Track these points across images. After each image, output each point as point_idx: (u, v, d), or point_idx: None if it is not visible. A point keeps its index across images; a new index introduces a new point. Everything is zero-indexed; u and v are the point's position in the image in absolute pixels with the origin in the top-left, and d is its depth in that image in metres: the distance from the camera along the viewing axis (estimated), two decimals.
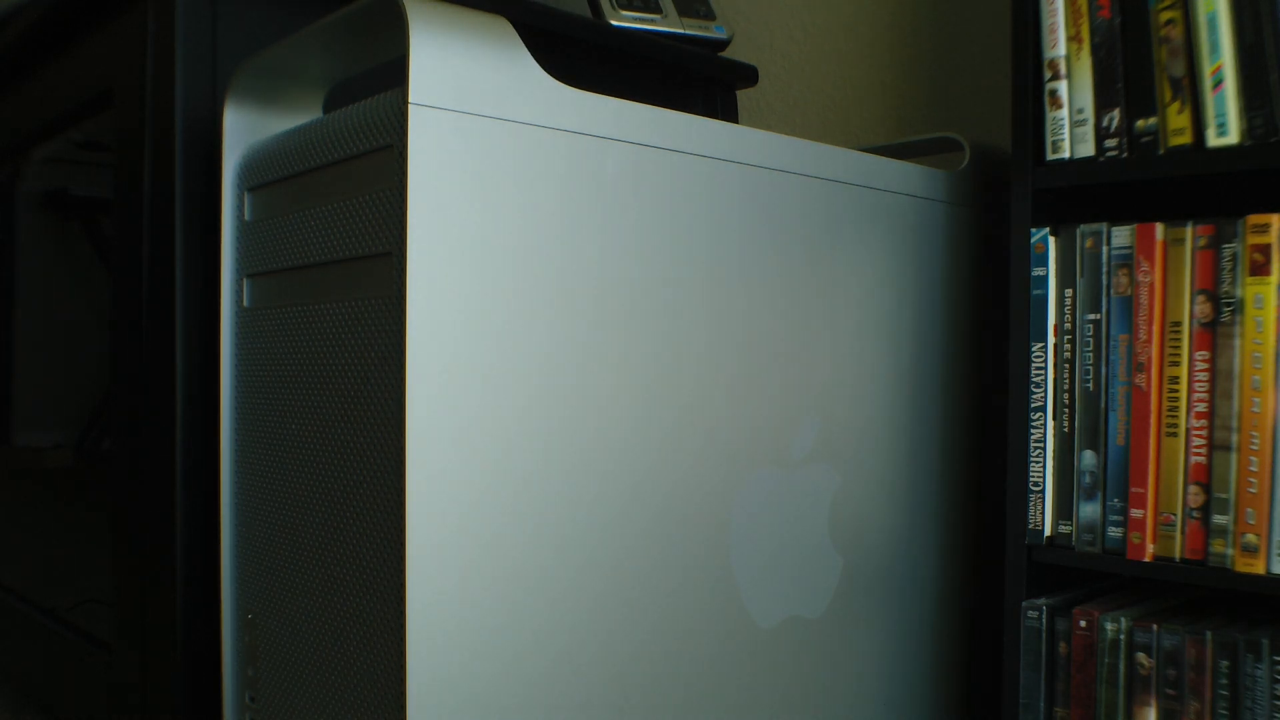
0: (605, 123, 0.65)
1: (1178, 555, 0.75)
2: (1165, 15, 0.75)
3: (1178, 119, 0.75)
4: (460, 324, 0.59)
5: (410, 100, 0.56)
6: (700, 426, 0.71)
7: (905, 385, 0.87)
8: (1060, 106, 0.80)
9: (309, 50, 0.68)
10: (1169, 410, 0.76)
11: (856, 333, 0.82)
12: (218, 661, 0.79)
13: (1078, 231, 0.80)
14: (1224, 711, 0.73)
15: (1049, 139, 0.81)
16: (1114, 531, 0.78)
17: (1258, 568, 0.72)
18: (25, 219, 1.15)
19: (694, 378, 0.71)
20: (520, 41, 0.62)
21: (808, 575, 0.79)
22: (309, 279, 0.66)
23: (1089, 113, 0.79)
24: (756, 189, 0.74)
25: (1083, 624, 0.79)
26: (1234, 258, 0.73)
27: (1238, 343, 0.73)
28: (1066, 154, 0.80)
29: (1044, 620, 0.81)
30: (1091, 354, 0.79)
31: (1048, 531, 0.81)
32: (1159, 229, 0.76)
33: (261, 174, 0.71)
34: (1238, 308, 0.73)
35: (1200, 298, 0.74)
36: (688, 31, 1.09)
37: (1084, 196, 0.85)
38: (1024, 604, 0.82)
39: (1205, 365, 0.74)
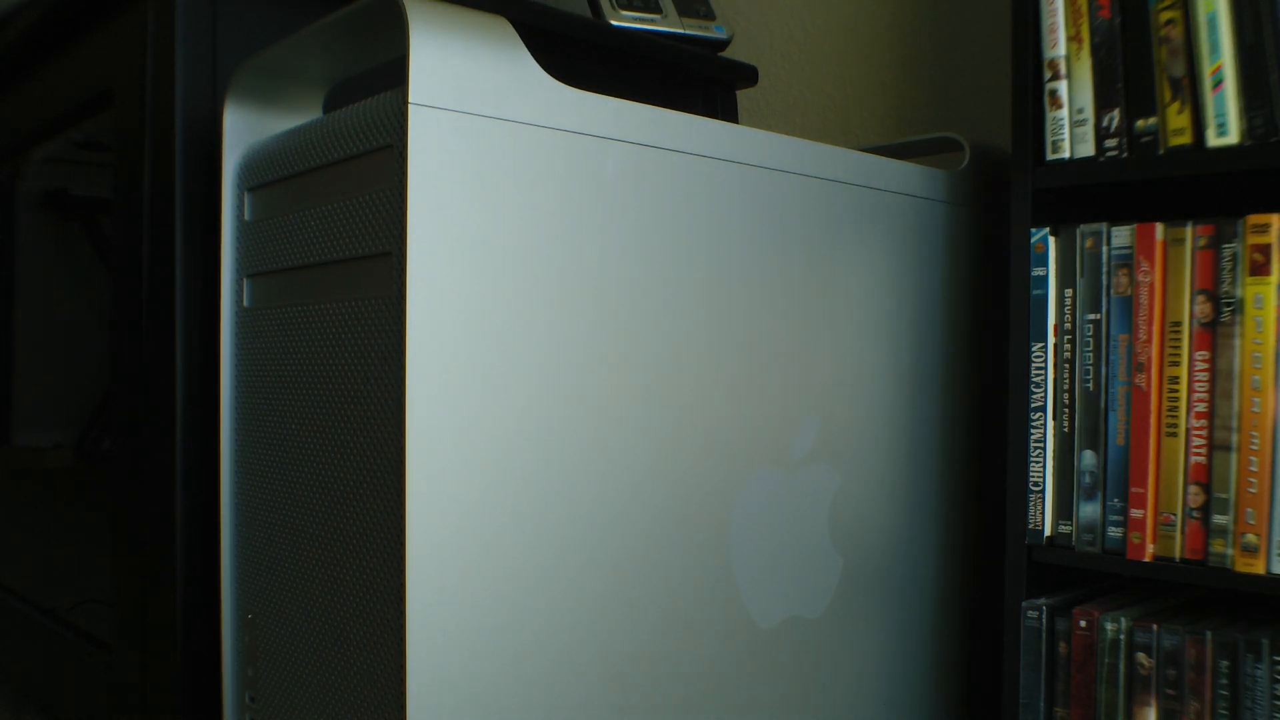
0: (605, 123, 0.65)
1: (1178, 555, 0.75)
2: (1165, 15, 0.75)
3: (1178, 119, 0.75)
4: (460, 324, 0.59)
5: (410, 100, 0.56)
6: (700, 426, 0.71)
7: (905, 385, 0.87)
8: (1060, 106, 0.80)
9: (309, 50, 0.68)
10: (1169, 410, 0.76)
11: (856, 333, 0.82)
12: (218, 661, 0.79)
13: (1078, 231, 0.80)
14: (1224, 711, 0.73)
15: (1049, 139, 0.81)
16: (1114, 531, 0.78)
17: (1258, 568, 0.72)
18: (25, 219, 1.15)
19: (694, 378, 0.71)
20: (520, 41, 0.62)
21: (808, 575, 0.79)
22: (309, 279, 0.66)
23: (1089, 113, 0.79)
24: (756, 189, 0.74)
25: (1083, 624, 0.79)
26: (1234, 258, 0.73)
27: (1238, 343, 0.73)
28: (1066, 154, 0.80)
29: (1044, 620, 0.81)
30: (1091, 354, 0.79)
31: (1048, 531, 0.81)
32: (1159, 229, 0.76)
33: (261, 174, 0.71)
34: (1238, 308, 0.73)
35: (1200, 298, 0.74)
36: (688, 31, 1.09)
37: (1084, 196, 0.85)
38: (1024, 604, 0.82)
39: (1205, 365, 0.74)
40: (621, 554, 0.67)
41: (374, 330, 0.60)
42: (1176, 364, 0.75)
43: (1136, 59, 0.77)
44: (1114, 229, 0.78)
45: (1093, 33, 0.79)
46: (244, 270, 0.73)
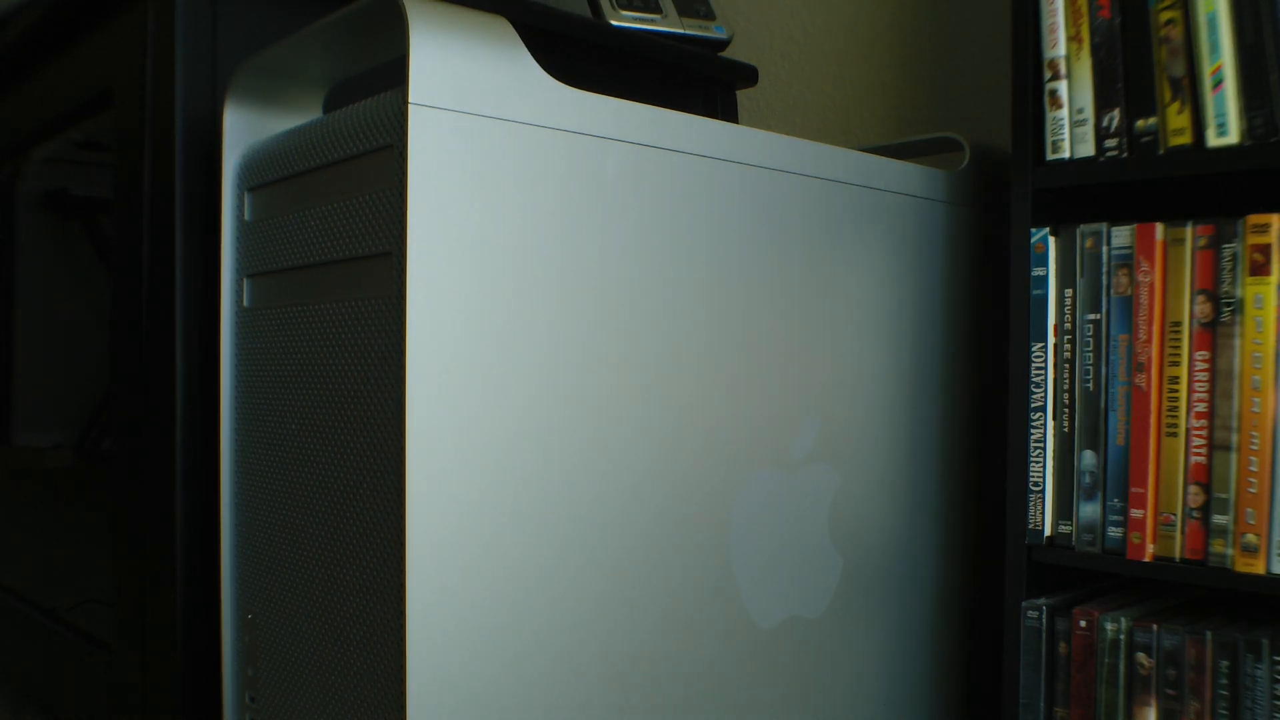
0: (605, 123, 0.65)
1: (1178, 555, 0.75)
2: (1165, 15, 0.75)
3: (1178, 119, 0.75)
4: (460, 324, 0.59)
5: (410, 100, 0.56)
6: (700, 426, 0.71)
7: (905, 385, 0.87)
8: (1060, 106, 0.80)
9: (309, 50, 0.68)
10: (1169, 410, 0.76)
11: (856, 333, 0.82)
12: (218, 661, 0.79)
13: (1078, 231, 0.80)
14: (1224, 711, 0.73)
15: (1049, 139, 0.81)
16: (1114, 531, 0.78)
17: (1258, 568, 0.72)
18: (25, 219, 1.15)
19: (694, 378, 0.71)
20: (520, 41, 0.62)
21: (808, 575, 0.79)
22: (309, 279, 0.66)
23: (1089, 113, 0.79)
24: (756, 189, 0.74)
25: (1083, 624, 0.79)
26: (1234, 258, 0.73)
27: (1238, 343, 0.73)
28: (1066, 154, 0.80)
29: (1044, 620, 0.81)
30: (1091, 354, 0.79)
31: (1048, 531, 0.81)
32: (1159, 229, 0.76)
33: (261, 174, 0.71)
34: (1238, 308, 0.73)
35: (1200, 298, 0.74)
36: (688, 31, 1.09)
37: (1084, 196, 0.85)
38: (1024, 604, 0.82)
39: (1205, 365, 0.74)
40: (621, 554, 0.67)
41: (374, 330, 0.60)
42: (1176, 364, 0.75)
43: (1136, 59, 0.77)
44: (1114, 229, 0.78)
45: (1093, 33, 0.79)
46: (244, 270, 0.73)
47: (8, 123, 1.12)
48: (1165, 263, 0.76)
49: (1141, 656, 0.76)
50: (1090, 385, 0.79)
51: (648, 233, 0.68)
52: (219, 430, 0.76)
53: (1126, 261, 0.77)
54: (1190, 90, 0.75)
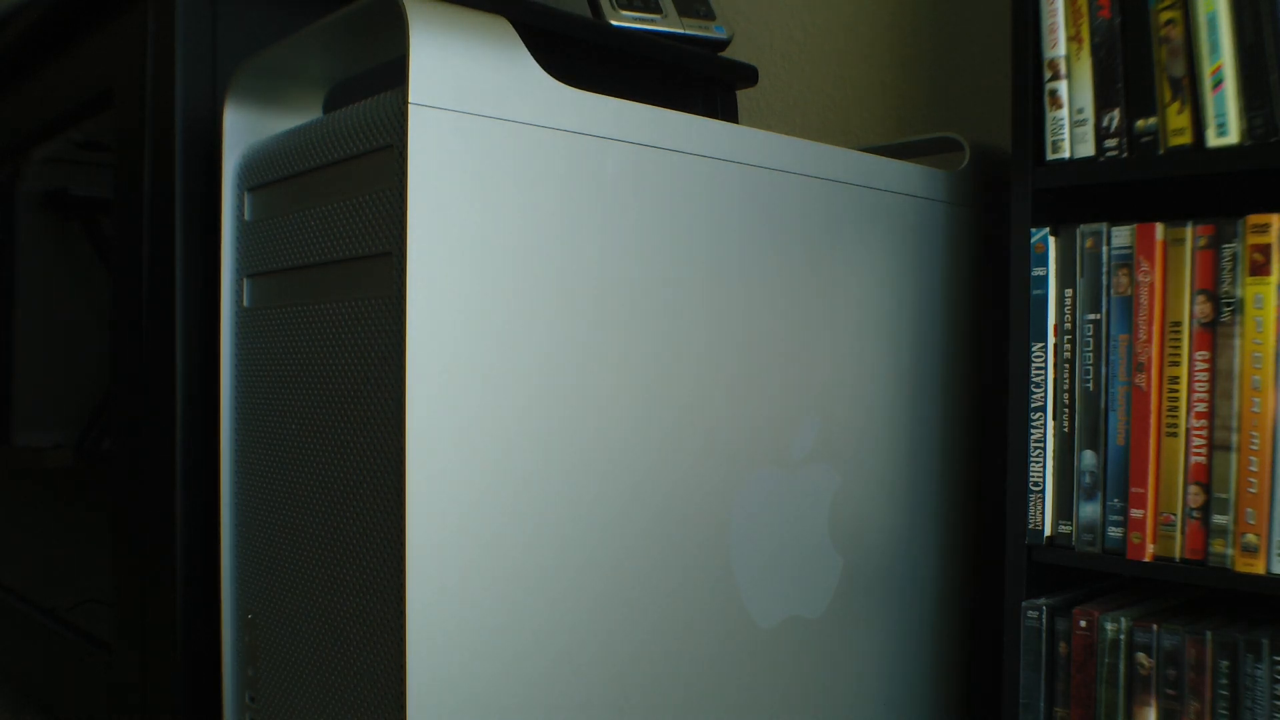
0: (605, 123, 0.65)
1: (1178, 555, 0.75)
2: (1165, 15, 0.75)
3: (1178, 119, 0.75)
4: (460, 324, 0.59)
5: (410, 100, 0.56)
6: (700, 426, 0.71)
7: (905, 385, 0.87)
8: (1060, 106, 0.80)
9: (309, 50, 0.68)
10: (1169, 410, 0.76)
11: (856, 333, 0.82)
12: (218, 661, 0.79)
13: (1078, 231, 0.80)
14: (1224, 711, 0.73)
15: (1049, 139, 0.81)
16: (1114, 531, 0.78)
17: (1258, 568, 0.72)
18: (25, 219, 1.15)
19: (694, 378, 0.71)
20: (520, 41, 0.62)
21: (808, 575, 0.79)
22: (309, 279, 0.66)
23: (1089, 113, 0.79)
24: (756, 189, 0.74)
25: (1083, 624, 0.79)
26: (1234, 258, 0.73)
27: (1238, 343, 0.73)
28: (1066, 154, 0.80)
29: (1044, 620, 0.81)
30: (1091, 354, 0.79)
31: (1048, 531, 0.81)
32: (1159, 229, 0.76)
33: (261, 174, 0.71)
34: (1238, 308, 0.73)
35: (1200, 298, 0.74)
36: (688, 31, 1.09)
37: (1084, 196, 0.85)
38: (1024, 604, 0.82)
39: (1205, 365, 0.74)
40: (621, 554, 0.67)
41: (374, 330, 0.60)
42: (1176, 364, 0.75)
43: (1136, 59, 0.77)
44: (1114, 229, 0.78)
45: (1093, 33, 0.79)
46: (244, 270, 0.73)
47: (8, 123, 1.12)
48: (1165, 263, 0.76)
49: (1141, 656, 0.76)
50: (1090, 385, 0.79)
51: (648, 233, 0.68)
52: (219, 430, 0.76)
53: (1126, 261, 0.77)
54: (1190, 90, 0.75)
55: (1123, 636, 0.77)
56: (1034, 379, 0.82)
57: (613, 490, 0.66)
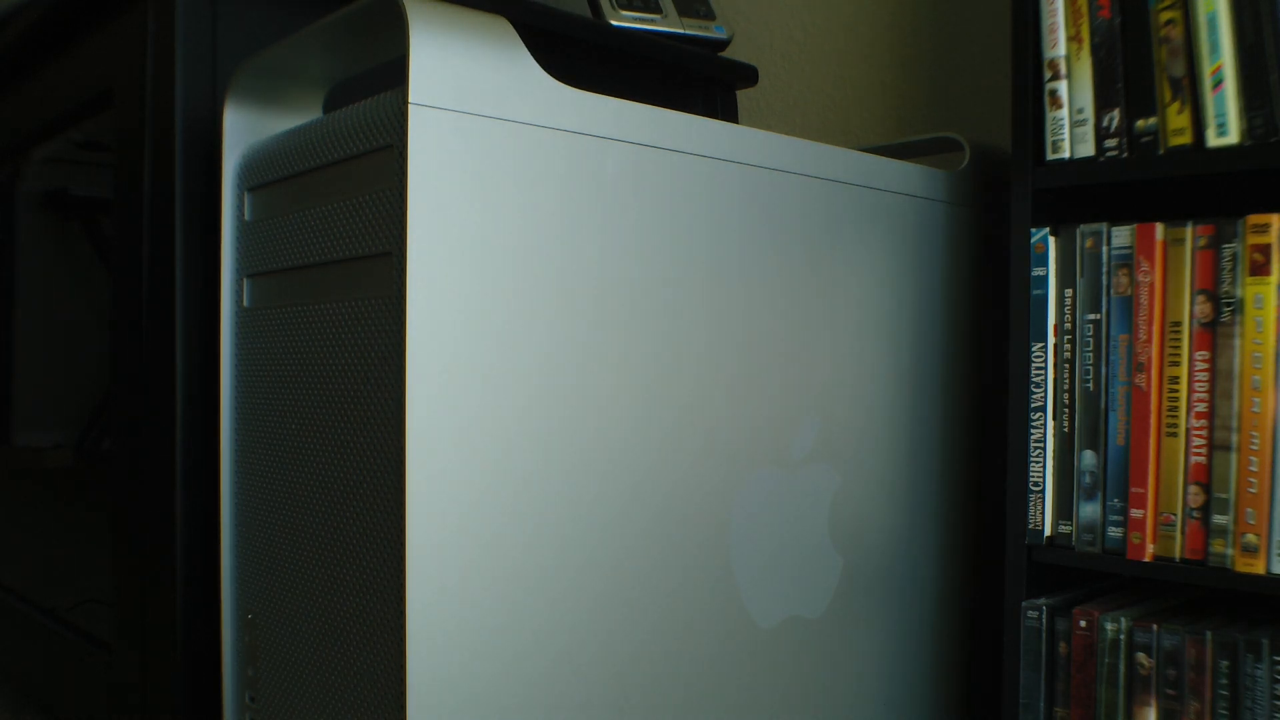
0: (605, 123, 0.65)
1: (1178, 555, 0.75)
2: (1165, 15, 0.75)
3: (1178, 119, 0.75)
4: (460, 324, 0.59)
5: (410, 100, 0.56)
6: (700, 426, 0.71)
7: (905, 385, 0.87)
8: (1060, 106, 0.80)
9: (309, 50, 0.68)
10: (1169, 410, 0.76)
11: (856, 333, 0.82)
12: (218, 661, 0.79)
13: (1078, 231, 0.80)
14: (1224, 711, 0.73)
15: (1049, 139, 0.81)
16: (1114, 531, 0.78)
17: (1258, 568, 0.72)
18: (25, 219, 1.15)
19: (694, 378, 0.71)
20: (520, 41, 0.62)
21: (808, 575, 0.79)
22: (309, 279, 0.66)
23: (1089, 113, 0.79)
24: (756, 189, 0.74)
25: (1083, 624, 0.79)
26: (1234, 258, 0.73)
27: (1238, 343, 0.73)
28: (1066, 154, 0.80)
29: (1044, 620, 0.81)
30: (1091, 354, 0.79)
31: (1048, 531, 0.81)
32: (1159, 229, 0.76)
33: (261, 174, 0.71)
34: (1238, 308, 0.73)
35: (1200, 298, 0.74)
36: (688, 31, 1.09)
37: (1084, 196, 0.85)
38: (1024, 604, 0.82)
39: (1205, 365, 0.74)
40: (621, 554, 0.67)
41: (374, 330, 0.60)
42: (1176, 364, 0.75)
43: (1136, 59, 0.77)
44: (1114, 229, 0.78)
45: (1093, 33, 0.79)
46: (244, 270, 0.73)
47: (8, 123, 1.12)
48: (1165, 263, 0.76)
49: (1141, 656, 0.76)
50: (1090, 385, 0.79)
51: (648, 233, 0.68)
52: (219, 430, 0.76)
53: (1126, 261, 0.77)
54: (1190, 90, 0.75)
55: (1123, 636, 0.77)
56: (1034, 379, 0.82)
57: (613, 490, 0.66)
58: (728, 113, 1.19)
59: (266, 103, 0.74)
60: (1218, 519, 0.73)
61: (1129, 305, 0.77)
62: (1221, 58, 0.73)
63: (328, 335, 0.64)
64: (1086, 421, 0.79)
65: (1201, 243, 0.74)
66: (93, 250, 1.04)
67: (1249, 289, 0.72)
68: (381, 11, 0.61)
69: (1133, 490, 0.77)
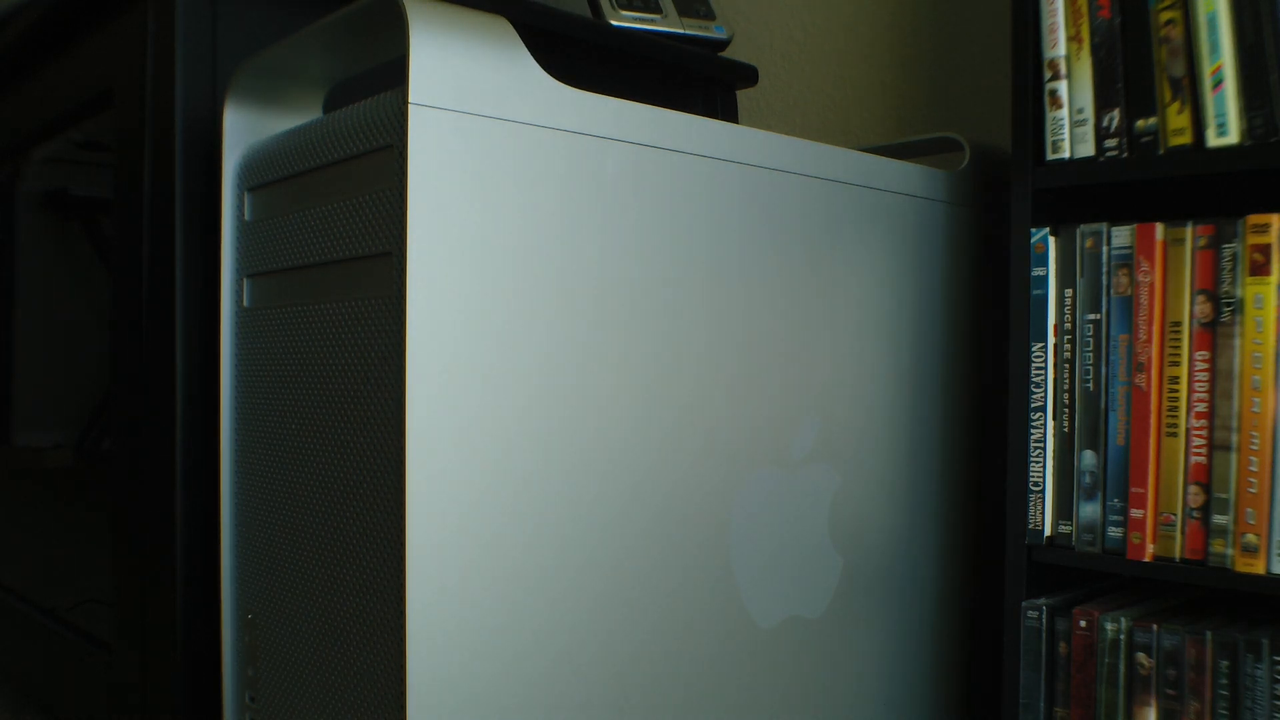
0: (605, 123, 0.65)
1: (1178, 555, 0.75)
2: (1165, 15, 0.75)
3: (1178, 119, 0.75)
4: (460, 324, 0.59)
5: (410, 100, 0.56)
6: (700, 426, 0.71)
7: (905, 385, 0.87)
8: (1060, 106, 0.80)
9: (309, 50, 0.68)
10: (1169, 410, 0.76)
11: (856, 332, 0.82)
12: (218, 661, 0.79)
13: (1078, 231, 0.80)
14: (1224, 711, 0.73)
15: (1049, 139, 0.81)
16: (1114, 531, 0.78)
17: (1258, 568, 0.72)
18: (25, 219, 1.15)
19: (694, 378, 0.71)
20: (520, 41, 0.62)
21: (808, 575, 0.79)
22: (309, 279, 0.66)
23: (1089, 113, 0.79)
24: (756, 189, 0.74)
25: (1083, 624, 0.79)
26: (1234, 258, 0.73)
27: (1238, 343, 0.73)
28: (1066, 154, 0.80)
29: (1044, 620, 0.81)
30: (1091, 354, 0.79)
31: (1048, 531, 0.81)
32: (1159, 229, 0.76)
33: (261, 174, 0.71)
34: (1238, 308, 0.73)
35: (1200, 298, 0.74)
36: (688, 31, 1.09)
37: (1084, 196, 0.85)
38: (1024, 604, 0.82)
39: (1205, 365, 0.74)
40: (621, 554, 0.67)
41: (374, 330, 0.60)
42: (1176, 364, 0.75)
43: (1136, 59, 0.77)
44: (1114, 229, 0.78)
45: (1093, 33, 0.79)
46: (244, 270, 0.73)
47: (8, 123, 1.12)
48: (1165, 263, 0.76)
49: (1141, 656, 0.76)
50: (1090, 385, 0.79)
51: (648, 233, 0.68)
52: (219, 430, 0.76)
53: (1126, 261, 0.77)
54: (1190, 90, 0.75)
55: (1123, 636, 0.77)
56: (1034, 379, 0.82)
57: (613, 490, 0.66)
58: (728, 113, 1.19)
59: (266, 103, 0.74)
60: (1218, 519, 0.73)
61: (1129, 305, 0.77)
62: (1221, 58, 0.73)
63: (328, 335, 0.64)
64: (1086, 421, 0.79)
65: (1201, 243, 0.74)
66: (93, 250, 1.04)
67: (1249, 289, 0.72)
68: (381, 11, 0.61)
69: (1133, 490, 0.77)
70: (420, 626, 0.57)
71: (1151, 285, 0.76)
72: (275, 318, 0.69)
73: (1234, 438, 0.73)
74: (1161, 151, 0.76)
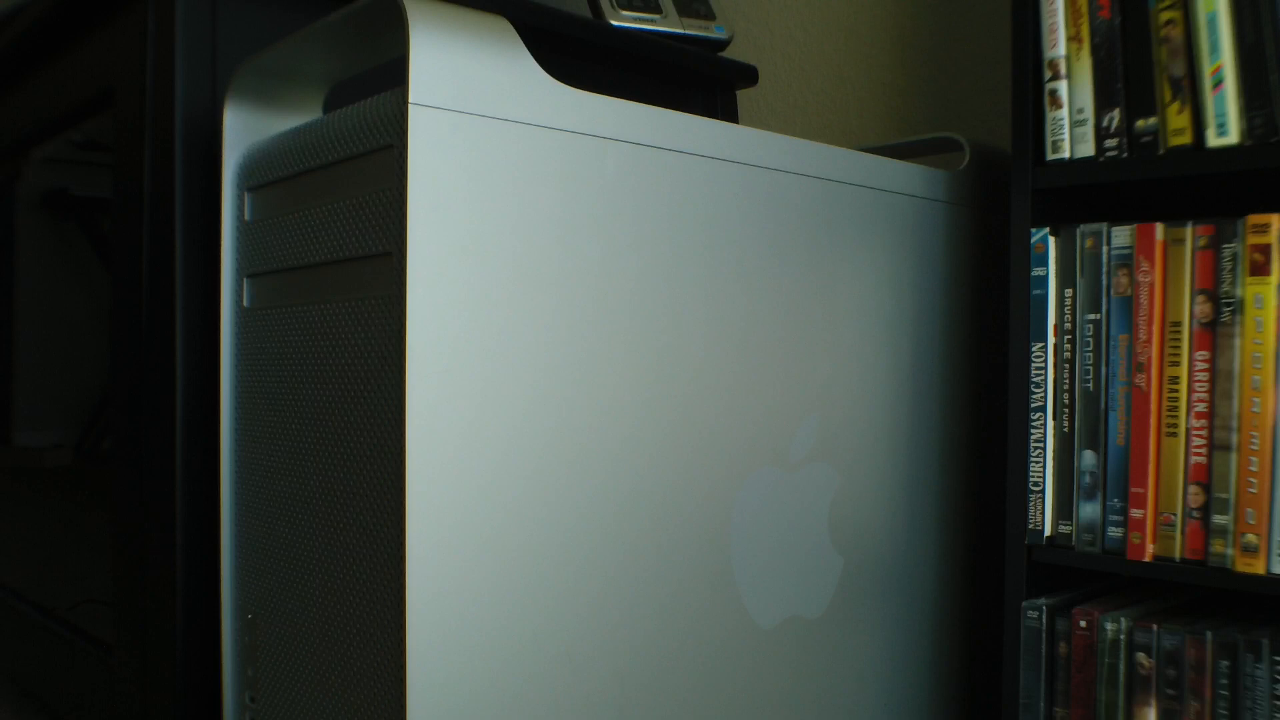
0: (605, 123, 0.65)
1: (1178, 555, 0.75)
2: (1165, 15, 0.75)
3: (1178, 119, 0.75)
4: (460, 324, 0.59)
5: (410, 100, 0.56)
6: (700, 426, 0.71)
7: (905, 385, 0.87)
8: (1060, 106, 0.80)
9: (309, 50, 0.68)
10: (1169, 410, 0.76)
11: (856, 332, 0.82)
12: (218, 661, 0.79)
13: (1078, 231, 0.80)
14: (1224, 711, 0.73)
15: (1049, 139, 0.81)
16: (1114, 531, 0.78)
17: (1258, 568, 0.72)
18: (25, 219, 1.15)
19: (694, 377, 0.71)
20: (520, 41, 0.62)
21: (808, 575, 0.79)
22: (309, 279, 0.66)
23: (1089, 113, 0.79)
24: (756, 189, 0.74)
25: (1083, 624, 0.79)
26: (1234, 258, 0.73)
27: (1238, 343, 0.73)
28: (1066, 154, 0.80)
29: (1044, 620, 0.81)
30: (1091, 354, 0.79)
31: (1048, 531, 0.81)
32: (1159, 229, 0.76)
33: (261, 174, 0.71)
34: (1238, 308, 0.73)
35: (1200, 298, 0.74)
36: (688, 31, 1.09)
37: (1084, 196, 0.85)
38: (1024, 604, 0.82)
39: (1205, 365, 0.74)
40: (621, 554, 0.67)
41: (374, 330, 0.60)
42: (1176, 364, 0.75)
43: (1136, 59, 0.77)
44: (1114, 229, 0.78)
45: (1093, 33, 0.79)
46: (244, 270, 0.73)
47: (8, 123, 1.12)
48: (1165, 263, 0.76)
49: (1141, 656, 0.76)
50: (1090, 385, 0.79)
51: (647, 232, 0.68)
52: (219, 430, 0.76)
53: (1126, 261, 0.77)
54: (1190, 90, 0.75)
55: (1123, 636, 0.77)
56: (1034, 379, 0.82)
57: (613, 490, 0.66)
58: (728, 113, 1.19)
59: (266, 103, 0.74)
60: (1218, 519, 0.73)
61: (1129, 305, 0.77)
62: (1221, 58, 0.73)
63: (328, 335, 0.64)
64: (1086, 421, 0.79)
65: (1201, 243, 0.74)
66: (93, 250, 1.04)
67: (1249, 289, 0.72)
68: (381, 11, 0.61)
69: (1133, 490, 0.77)
70: (420, 626, 0.57)
71: (1151, 285, 0.76)
72: (275, 318, 0.69)
73: (1234, 438, 0.73)
74: (1161, 151, 0.76)
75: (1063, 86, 0.80)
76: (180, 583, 0.77)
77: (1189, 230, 0.75)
